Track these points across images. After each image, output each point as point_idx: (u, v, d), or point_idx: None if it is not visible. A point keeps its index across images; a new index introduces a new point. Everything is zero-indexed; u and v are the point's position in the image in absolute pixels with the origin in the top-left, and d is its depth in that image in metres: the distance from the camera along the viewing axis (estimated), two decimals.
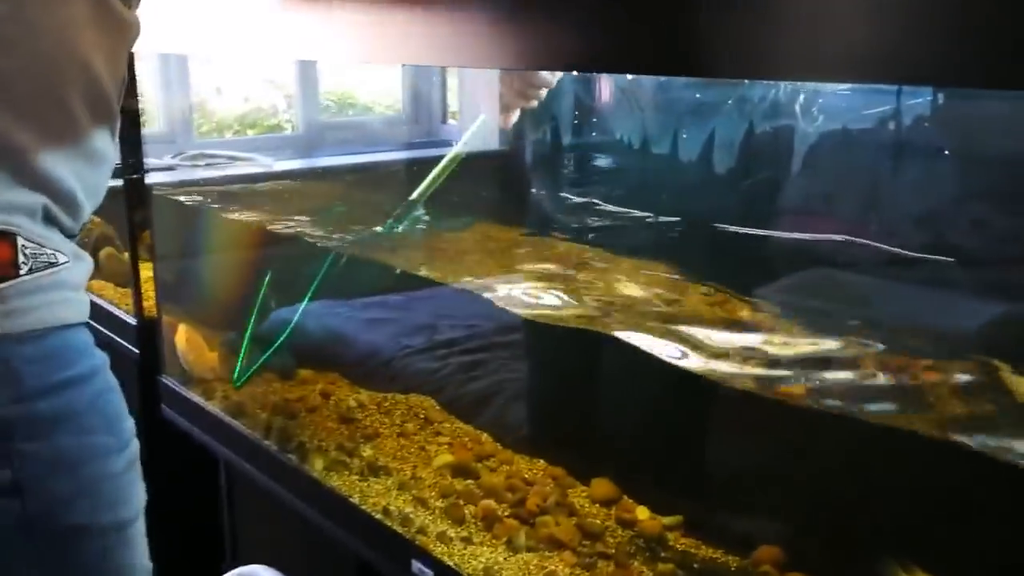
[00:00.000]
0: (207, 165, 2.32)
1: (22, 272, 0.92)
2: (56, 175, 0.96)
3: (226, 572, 1.66)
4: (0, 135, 0.92)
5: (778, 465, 1.18)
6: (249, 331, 1.80)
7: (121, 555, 1.01)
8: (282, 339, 1.76)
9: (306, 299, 1.78)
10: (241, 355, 1.80)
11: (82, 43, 0.97)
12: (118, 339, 1.96)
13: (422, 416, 1.56)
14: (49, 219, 0.96)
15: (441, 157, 1.79)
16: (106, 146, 1.02)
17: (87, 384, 0.97)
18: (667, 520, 1.27)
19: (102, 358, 1.00)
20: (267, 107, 2.60)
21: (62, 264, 0.95)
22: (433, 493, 1.40)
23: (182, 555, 1.87)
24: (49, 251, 0.94)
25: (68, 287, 0.97)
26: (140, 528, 1.03)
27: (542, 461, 1.41)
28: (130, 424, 1.02)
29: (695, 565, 1.20)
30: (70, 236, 1.00)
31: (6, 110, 0.93)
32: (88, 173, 1.00)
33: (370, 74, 2.55)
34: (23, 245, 0.92)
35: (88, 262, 1.01)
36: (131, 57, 1.07)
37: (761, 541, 1.17)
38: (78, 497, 0.96)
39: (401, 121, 2.56)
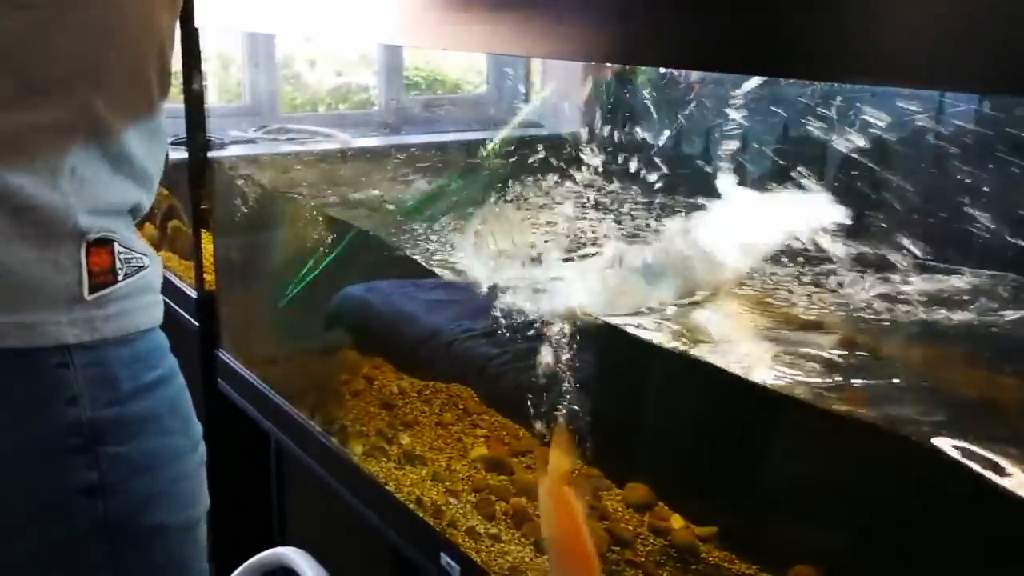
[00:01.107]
0: (288, 139, 2.33)
1: (119, 278, 0.94)
2: (141, 160, 0.97)
3: (275, 547, 1.66)
4: (101, 123, 0.93)
5: (826, 479, 1.11)
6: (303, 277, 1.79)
7: (188, 555, 1.02)
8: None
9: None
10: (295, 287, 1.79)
11: (158, 22, 0.99)
12: (180, 311, 1.98)
13: (461, 407, 1.52)
14: (135, 213, 0.98)
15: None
16: (164, 121, 1.03)
17: (168, 385, 0.99)
18: (701, 531, 1.22)
19: (174, 359, 1.02)
20: (356, 84, 2.61)
21: (147, 267, 0.97)
22: (466, 486, 1.37)
23: (233, 528, 1.89)
24: (137, 254, 0.96)
25: (153, 289, 0.99)
26: (204, 529, 1.05)
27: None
28: (199, 426, 1.04)
29: None
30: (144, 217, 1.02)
31: (106, 98, 0.93)
32: (158, 151, 1.01)
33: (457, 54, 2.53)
34: (119, 251, 0.94)
35: (159, 260, 1.02)
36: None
37: (800, 560, 1.11)
38: (157, 497, 0.97)
39: (484, 101, 2.54)
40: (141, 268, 0.97)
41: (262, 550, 1.66)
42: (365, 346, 1.76)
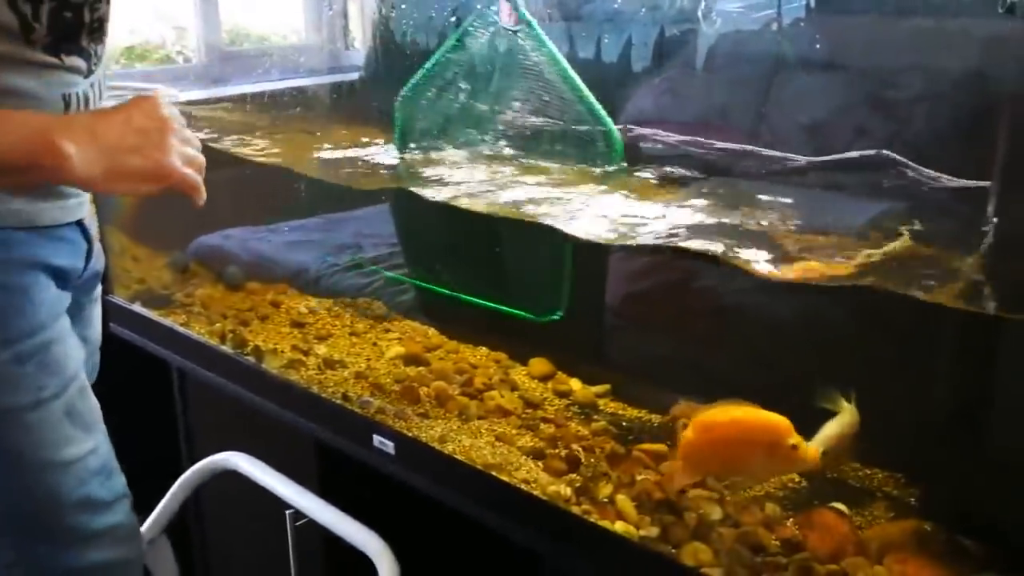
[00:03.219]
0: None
1: None
2: None
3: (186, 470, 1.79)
4: None
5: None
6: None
7: (20, 441, 1.09)
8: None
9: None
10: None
11: None
12: None
13: (372, 316, 1.73)
14: None
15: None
16: None
17: None
18: (597, 389, 1.50)
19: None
20: (156, 39, 2.63)
21: None
22: (388, 380, 1.58)
23: (142, 459, 2.01)
24: None
25: None
26: (43, 415, 1.10)
27: (484, 348, 1.61)
28: (27, 324, 1.09)
29: (623, 423, 1.42)
30: None
31: None
32: None
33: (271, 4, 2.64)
34: None
35: None
36: None
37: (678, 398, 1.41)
38: None
39: (305, 49, 2.64)
40: None
41: (176, 476, 1.79)
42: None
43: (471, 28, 1.56)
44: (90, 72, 1.13)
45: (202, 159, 1.09)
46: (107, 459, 1.18)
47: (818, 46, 1.24)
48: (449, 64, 1.59)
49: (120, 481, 1.20)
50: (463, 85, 1.59)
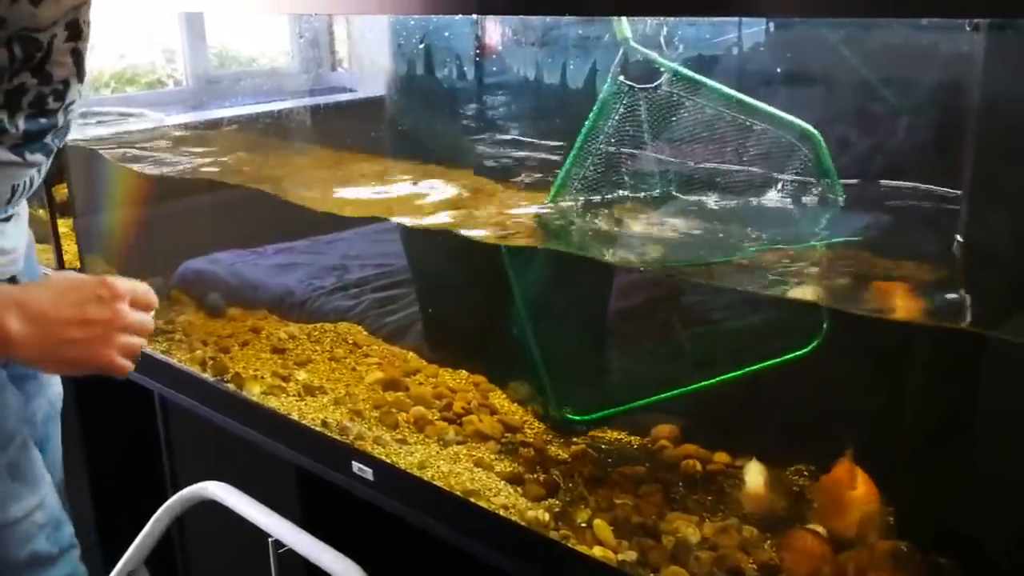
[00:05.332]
0: (98, 122, 2.39)
1: None
2: None
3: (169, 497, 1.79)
4: None
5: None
6: None
7: None
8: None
9: None
10: None
11: None
12: None
13: (351, 341, 1.72)
14: None
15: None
16: None
17: None
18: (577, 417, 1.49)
19: None
20: (145, 63, 2.63)
21: None
22: (367, 406, 1.58)
23: (125, 487, 2.01)
24: None
25: None
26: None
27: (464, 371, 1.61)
28: None
29: (603, 445, 1.42)
30: None
31: None
32: None
33: (257, 26, 2.63)
34: None
35: None
36: None
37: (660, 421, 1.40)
38: None
39: (292, 71, 2.63)
40: None
41: (159, 504, 1.78)
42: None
43: (609, 97, 1.37)
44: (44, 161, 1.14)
45: (143, 343, 1.09)
46: (53, 510, 1.17)
47: (779, 69, 1.24)
48: (598, 134, 1.38)
49: (67, 531, 1.20)
50: (624, 150, 1.40)
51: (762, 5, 0.97)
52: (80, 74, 1.11)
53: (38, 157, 1.11)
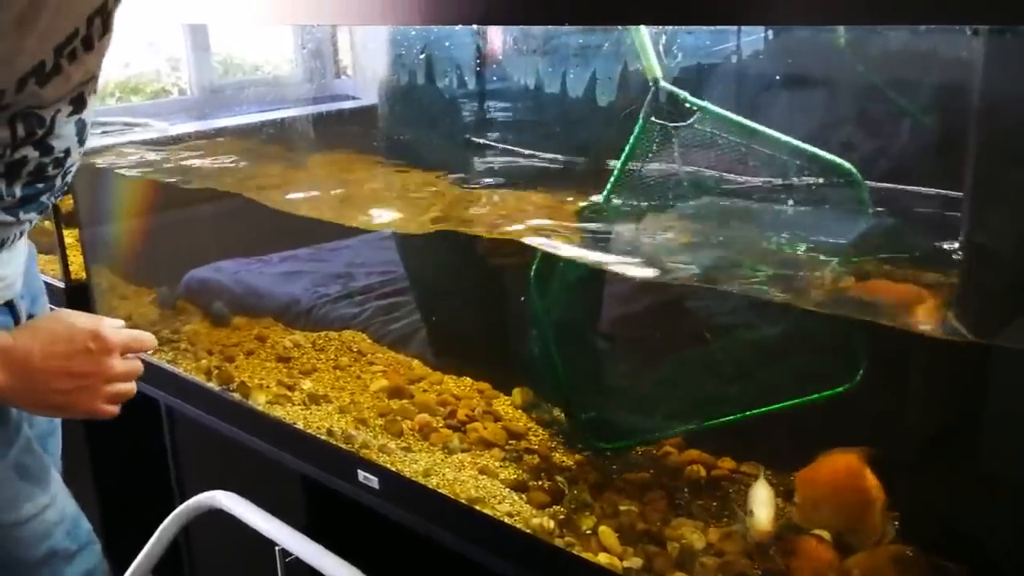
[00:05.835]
0: (103, 132, 2.39)
1: None
2: None
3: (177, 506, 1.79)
4: None
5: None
6: None
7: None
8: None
9: None
10: None
11: None
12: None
13: (356, 349, 1.73)
14: None
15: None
16: None
17: None
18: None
19: None
20: (150, 72, 2.63)
21: None
22: (372, 414, 1.58)
23: (134, 497, 2.01)
24: None
25: None
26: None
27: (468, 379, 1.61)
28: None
29: (607, 452, 1.42)
30: None
31: None
32: None
33: (261, 34, 2.64)
34: None
35: None
36: None
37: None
38: None
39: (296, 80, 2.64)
40: None
41: (165, 513, 1.79)
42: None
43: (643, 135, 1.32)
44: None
45: (132, 388, 1.11)
46: (67, 507, 1.18)
47: (778, 76, 1.24)
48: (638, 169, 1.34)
49: (85, 527, 1.20)
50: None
51: (759, 15, 0.97)
52: (82, 140, 1.10)
53: (32, 216, 1.11)
